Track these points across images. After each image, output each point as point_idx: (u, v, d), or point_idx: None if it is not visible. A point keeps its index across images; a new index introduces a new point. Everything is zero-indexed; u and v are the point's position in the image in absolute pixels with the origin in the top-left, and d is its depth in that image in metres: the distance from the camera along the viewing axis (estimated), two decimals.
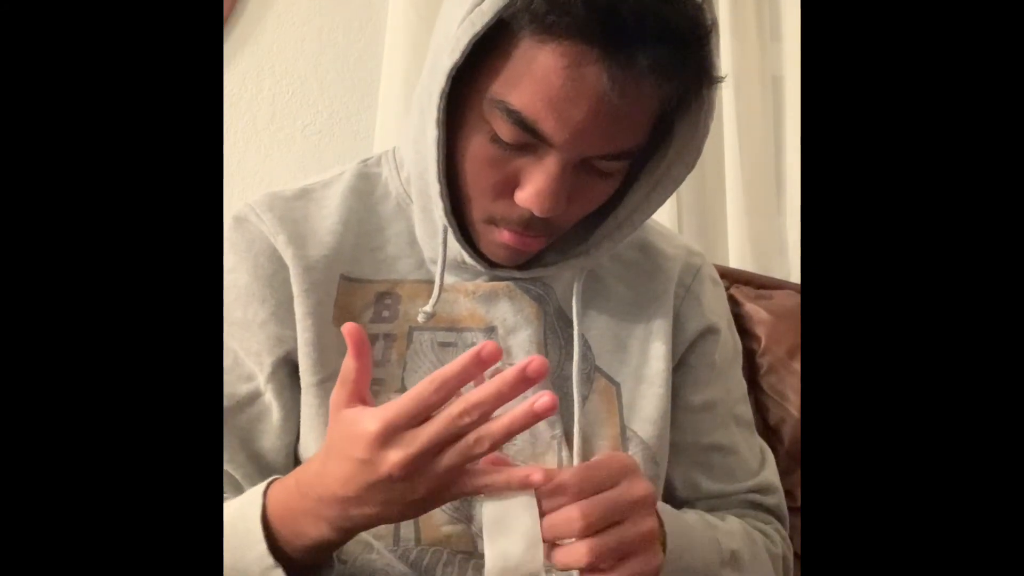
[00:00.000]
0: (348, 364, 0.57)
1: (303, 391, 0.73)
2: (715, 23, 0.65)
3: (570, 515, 0.57)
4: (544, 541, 0.57)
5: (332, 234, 0.76)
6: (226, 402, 0.74)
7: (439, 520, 0.72)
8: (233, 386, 0.74)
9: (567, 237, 0.75)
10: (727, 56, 1.40)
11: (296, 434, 0.75)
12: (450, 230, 0.71)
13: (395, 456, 0.54)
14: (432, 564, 0.72)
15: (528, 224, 0.69)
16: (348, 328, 0.57)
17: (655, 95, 0.64)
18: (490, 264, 0.74)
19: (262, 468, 0.74)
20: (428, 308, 0.73)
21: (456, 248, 0.73)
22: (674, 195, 1.38)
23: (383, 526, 0.71)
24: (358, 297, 0.75)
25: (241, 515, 0.64)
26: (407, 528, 0.72)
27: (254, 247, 0.75)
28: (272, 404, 0.74)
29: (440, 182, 0.68)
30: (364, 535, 0.72)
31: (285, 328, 0.74)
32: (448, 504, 0.70)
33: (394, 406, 0.54)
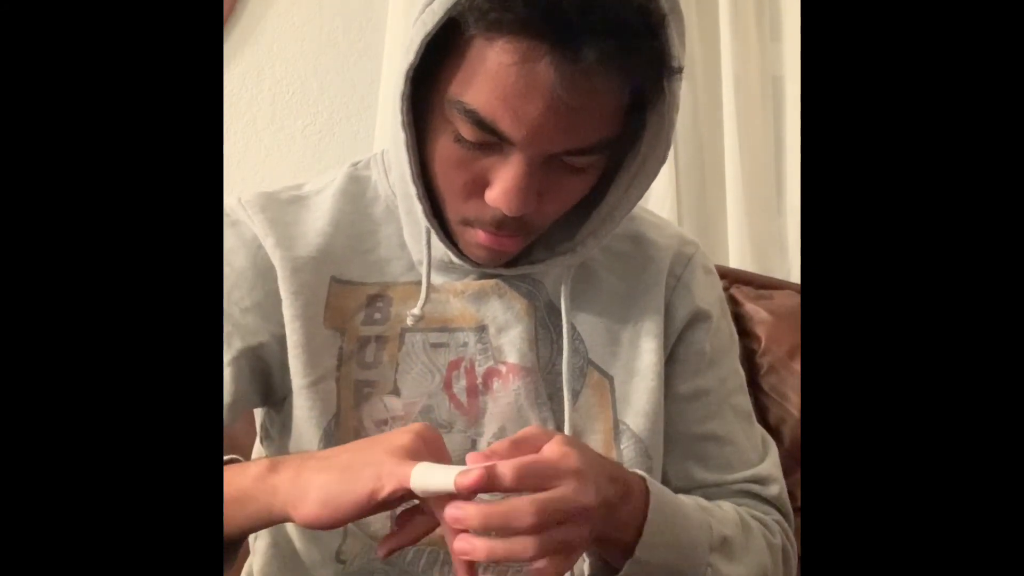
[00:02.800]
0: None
1: (294, 393, 0.73)
2: (675, 12, 0.64)
3: (521, 508, 0.54)
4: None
5: (321, 235, 0.76)
6: None
7: None
8: None
9: (554, 234, 0.75)
10: (727, 56, 1.40)
11: (233, 423, 0.74)
12: (433, 232, 0.71)
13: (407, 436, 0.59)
14: (428, 564, 0.72)
15: (501, 224, 0.68)
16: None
17: (607, 89, 0.63)
18: (475, 264, 0.74)
19: None
20: (416, 311, 0.73)
21: (442, 249, 0.73)
22: (674, 195, 1.39)
23: (381, 525, 0.71)
24: (350, 299, 0.75)
25: None
26: None
27: (256, 242, 0.75)
28: (227, 386, 0.72)
29: (415, 184, 0.68)
30: (363, 535, 0.72)
31: (266, 323, 0.74)
32: None
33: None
